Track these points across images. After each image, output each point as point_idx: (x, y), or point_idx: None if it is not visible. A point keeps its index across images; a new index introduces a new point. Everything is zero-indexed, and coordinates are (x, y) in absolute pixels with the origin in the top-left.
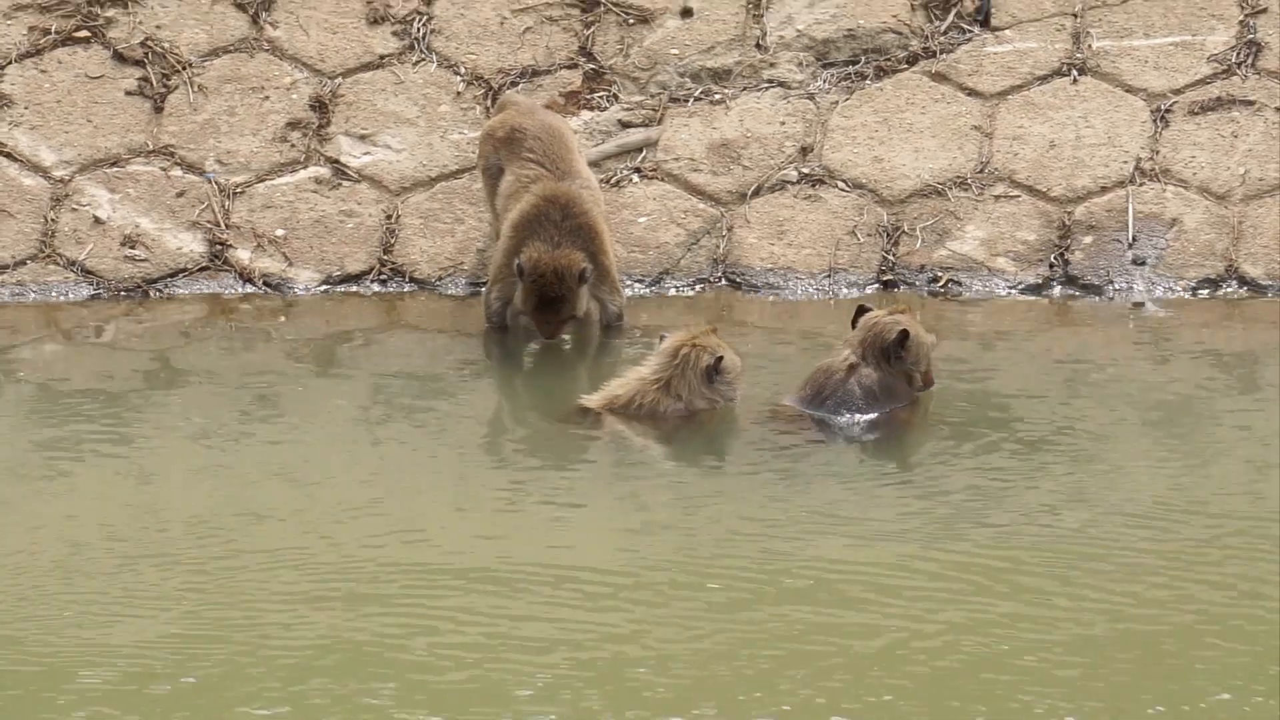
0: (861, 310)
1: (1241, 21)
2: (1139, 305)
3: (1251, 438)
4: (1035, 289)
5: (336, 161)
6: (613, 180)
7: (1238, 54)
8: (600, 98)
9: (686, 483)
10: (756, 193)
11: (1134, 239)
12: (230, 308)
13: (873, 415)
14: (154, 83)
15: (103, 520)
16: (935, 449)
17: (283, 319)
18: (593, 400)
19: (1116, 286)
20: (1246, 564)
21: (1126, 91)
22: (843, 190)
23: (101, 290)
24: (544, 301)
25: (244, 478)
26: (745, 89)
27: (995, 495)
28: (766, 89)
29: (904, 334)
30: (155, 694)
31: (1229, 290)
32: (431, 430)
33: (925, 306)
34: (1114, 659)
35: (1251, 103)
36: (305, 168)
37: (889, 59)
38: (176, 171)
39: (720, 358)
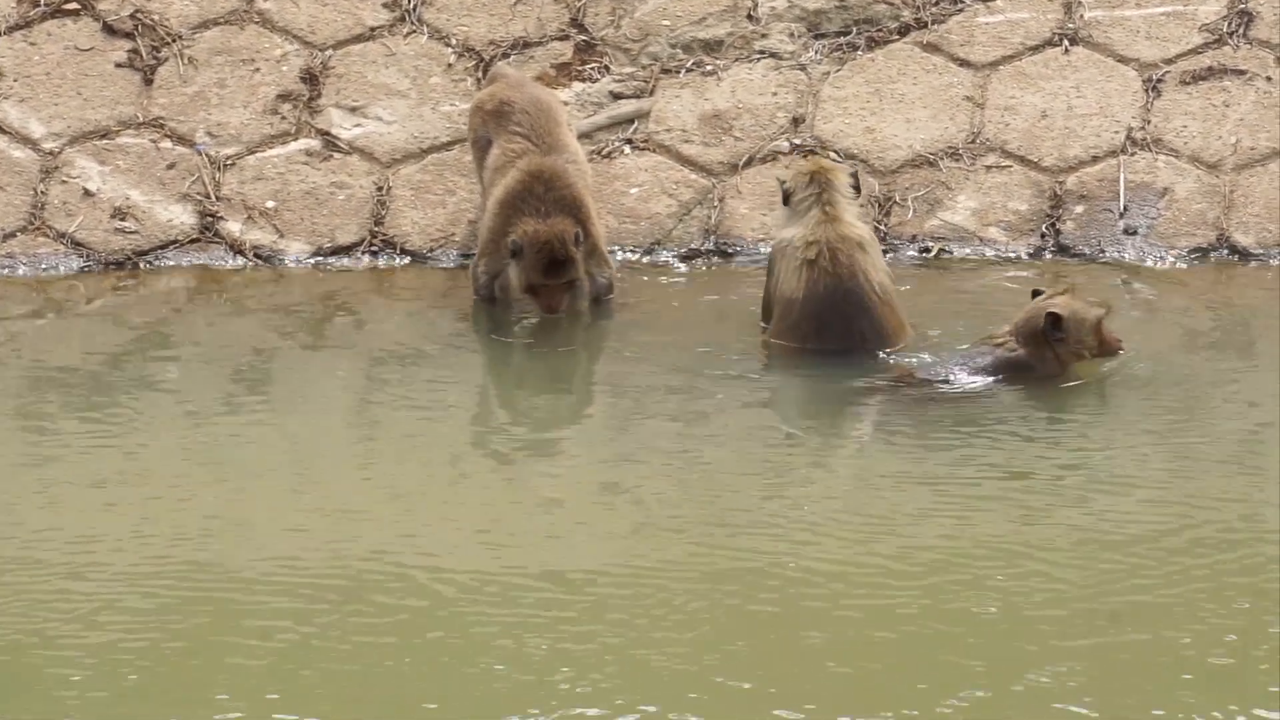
0: (1035, 293)
1: None
2: (1130, 275)
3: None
4: (1027, 258)
5: (327, 134)
6: (604, 152)
7: (1229, 23)
8: (591, 69)
9: (686, 467)
10: (748, 163)
11: (1125, 209)
12: (221, 280)
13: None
14: (144, 55)
15: (86, 497)
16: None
17: (273, 292)
18: None
19: (1108, 256)
20: None
21: (1118, 61)
22: (834, 161)
23: (91, 262)
24: (551, 266)
25: (231, 456)
26: (737, 60)
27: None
28: (758, 60)
29: (1052, 317)
30: (127, 681)
31: (1220, 258)
32: (423, 408)
33: (920, 277)
34: None
35: (1243, 72)
36: (296, 140)
37: (881, 29)
38: (166, 144)
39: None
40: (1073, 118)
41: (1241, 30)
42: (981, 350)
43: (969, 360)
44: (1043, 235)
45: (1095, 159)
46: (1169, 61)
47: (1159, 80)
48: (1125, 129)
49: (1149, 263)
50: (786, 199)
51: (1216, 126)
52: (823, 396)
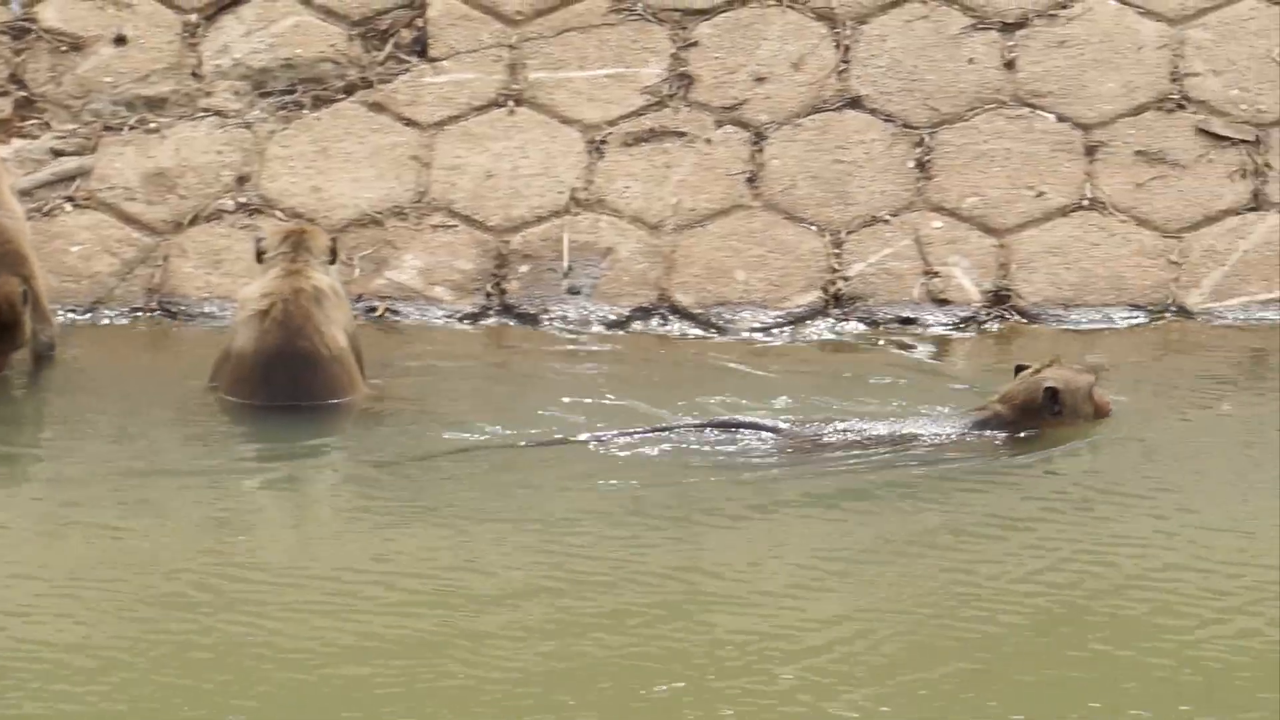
0: (1020, 367)
1: (673, 54)
2: (576, 333)
3: None
4: (472, 318)
5: None
6: (45, 210)
7: (670, 86)
8: (32, 126)
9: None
10: (193, 222)
11: (569, 268)
12: None
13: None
14: None
15: None
16: None
17: None
18: None
19: (552, 315)
20: None
21: (562, 122)
22: (281, 219)
23: None
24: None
25: None
26: (181, 118)
27: None
28: (203, 118)
29: (1052, 391)
30: None
31: (659, 320)
32: None
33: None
34: None
35: (683, 134)
36: None
37: (327, 88)
38: None
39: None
40: (518, 178)
41: (682, 93)
42: (969, 414)
43: (947, 423)
44: (488, 294)
45: (540, 219)
46: (612, 123)
47: (602, 141)
48: (569, 189)
49: (593, 323)
50: (259, 257)
51: (658, 188)
52: (277, 444)
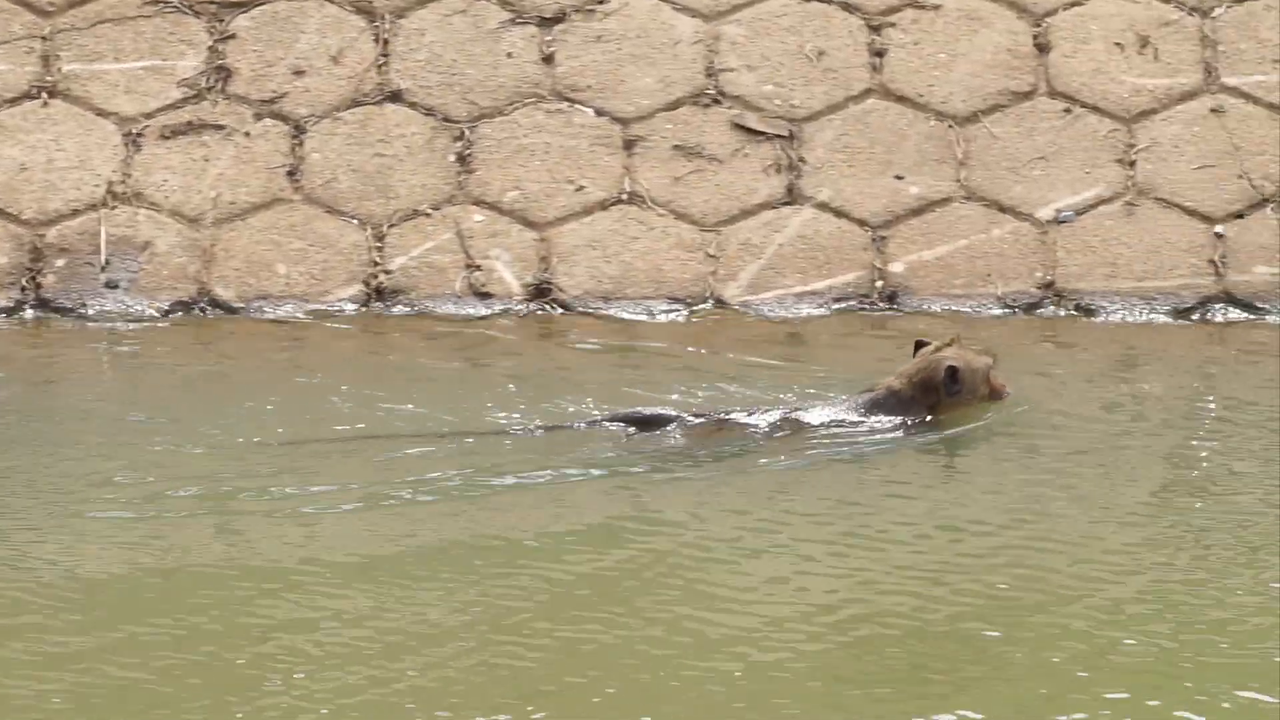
0: (919, 344)
1: (211, 47)
2: (116, 327)
3: None
4: (7, 312)
5: None
6: None
7: (208, 79)
8: None
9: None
10: None
11: (107, 262)
12: None
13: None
14: None
15: None
16: None
17: None
18: None
19: (90, 309)
20: None
21: (98, 115)
22: None
23: None
24: None
25: None
26: None
27: None
28: None
29: (952, 370)
30: None
31: (201, 312)
32: None
33: None
34: None
35: (222, 127)
36: None
37: None
38: None
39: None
40: (53, 171)
41: (220, 86)
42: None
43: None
44: (23, 289)
45: (76, 212)
46: (149, 116)
47: (139, 134)
48: (106, 182)
49: (133, 316)
50: None
51: (197, 181)
52: None
